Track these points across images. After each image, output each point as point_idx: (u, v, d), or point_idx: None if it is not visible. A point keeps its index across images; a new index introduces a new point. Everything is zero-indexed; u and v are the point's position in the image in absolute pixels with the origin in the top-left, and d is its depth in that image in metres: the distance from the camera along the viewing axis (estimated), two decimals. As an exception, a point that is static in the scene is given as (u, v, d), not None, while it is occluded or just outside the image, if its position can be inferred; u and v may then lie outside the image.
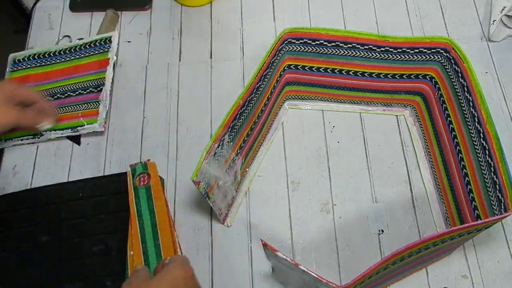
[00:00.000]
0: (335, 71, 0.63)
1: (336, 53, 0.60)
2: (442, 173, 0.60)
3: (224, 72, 0.73)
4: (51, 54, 0.75)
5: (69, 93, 0.71)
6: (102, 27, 0.76)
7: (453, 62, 0.56)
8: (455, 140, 0.57)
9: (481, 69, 0.70)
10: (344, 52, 0.60)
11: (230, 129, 0.54)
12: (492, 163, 0.49)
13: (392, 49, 0.58)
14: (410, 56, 0.59)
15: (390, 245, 0.59)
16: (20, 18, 1.30)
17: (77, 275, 0.58)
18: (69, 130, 0.68)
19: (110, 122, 0.70)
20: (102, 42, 0.74)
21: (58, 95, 0.72)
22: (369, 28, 0.75)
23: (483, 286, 0.56)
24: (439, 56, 0.58)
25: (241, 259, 0.60)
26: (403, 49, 0.58)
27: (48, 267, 0.59)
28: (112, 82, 0.71)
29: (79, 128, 0.68)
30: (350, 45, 0.59)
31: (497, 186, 0.48)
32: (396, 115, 0.68)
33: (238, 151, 0.59)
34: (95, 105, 0.69)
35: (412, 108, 0.67)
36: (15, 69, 0.76)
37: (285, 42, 0.59)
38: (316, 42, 0.59)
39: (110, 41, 0.73)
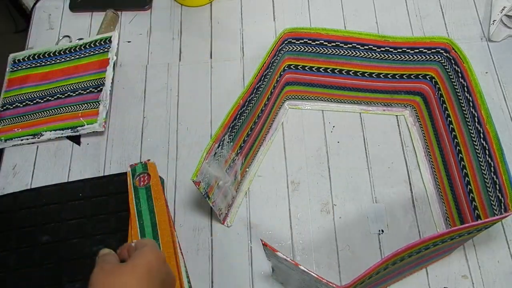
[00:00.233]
0: (335, 71, 0.63)
1: (336, 53, 0.60)
2: (442, 173, 0.60)
3: (224, 72, 0.73)
4: (51, 54, 0.75)
5: (69, 93, 0.71)
6: (102, 27, 0.76)
7: (453, 62, 0.56)
8: (455, 140, 0.57)
9: (481, 69, 0.70)
10: (344, 52, 0.60)
11: (230, 129, 0.54)
12: (492, 163, 0.49)
13: (392, 49, 0.58)
14: (410, 56, 0.59)
15: (390, 245, 0.59)
16: (20, 18, 1.30)
17: (77, 275, 0.58)
18: (69, 130, 0.68)
19: (110, 122, 0.70)
20: (102, 42, 0.74)
21: (58, 95, 0.72)
22: (369, 28, 0.75)
23: (483, 286, 0.56)
24: (439, 56, 0.58)
25: (241, 259, 0.59)
26: (403, 49, 0.58)
27: (48, 267, 0.59)
28: (112, 82, 0.71)
29: (79, 128, 0.68)
30: (350, 45, 0.59)
31: (497, 186, 0.48)
32: (396, 115, 0.68)
33: (238, 151, 0.59)
34: (95, 105, 0.69)
35: (412, 108, 0.67)
36: (15, 69, 0.76)
37: (285, 42, 0.59)
38: (316, 42, 0.59)
39: (110, 41, 0.73)
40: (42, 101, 0.72)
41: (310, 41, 0.59)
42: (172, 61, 0.75)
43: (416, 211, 0.61)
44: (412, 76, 0.62)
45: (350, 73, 0.63)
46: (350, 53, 0.60)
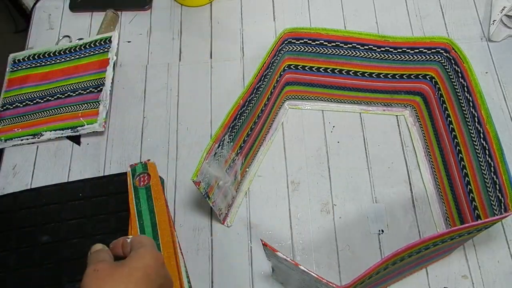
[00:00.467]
0: (335, 71, 0.63)
1: (336, 53, 0.60)
2: (442, 173, 0.60)
3: (224, 72, 0.73)
4: (51, 54, 0.75)
5: (69, 93, 0.71)
6: (102, 27, 0.76)
7: (453, 62, 0.56)
8: (455, 140, 0.57)
9: (481, 69, 0.70)
10: (344, 52, 0.60)
11: (230, 129, 0.54)
12: (492, 163, 0.49)
13: (392, 49, 0.58)
14: (410, 56, 0.59)
15: (390, 245, 0.59)
16: (20, 18, 1.30)
17: (77, 275, 0.58)
18: (69, 130, 0.68)
19: (110, 122, 0.70)
20: (102, 42, 0.74)
21: (58, 95, 0.72)
22: (369, 28, 0.75)
23: (483, 286, 0.56)
24: (439, 56, 0.58)
25: (241, 259, 0.59)
26: (403, 49, 0.58)
27: (48, 267, 0.59)
28: (112, 82, 0.71)
29: (79, 128, 0.68)
30: (350, 45, 0.59)
31: (497, 186, 0.48)
32: (396, 115, 0.68)
33: (238, 151, 0.59)
34: (95, 105, 0.69)
35: (412, 108, 0.67)
36: (15, 69, 0.76)
37: (285, 42, 0.59)
38: (316, 42, 0.59)
39: (110, 41, 0.73)
40: (42, 101, 0.72)
41: (310, 41, 0.59)
42: (172, 61, 0.75)
43: (416, 211, 0.61)
44: (412, 76, 0.62)
45: (350, 73, 0.63)
46: (350, 53, 0.60)
